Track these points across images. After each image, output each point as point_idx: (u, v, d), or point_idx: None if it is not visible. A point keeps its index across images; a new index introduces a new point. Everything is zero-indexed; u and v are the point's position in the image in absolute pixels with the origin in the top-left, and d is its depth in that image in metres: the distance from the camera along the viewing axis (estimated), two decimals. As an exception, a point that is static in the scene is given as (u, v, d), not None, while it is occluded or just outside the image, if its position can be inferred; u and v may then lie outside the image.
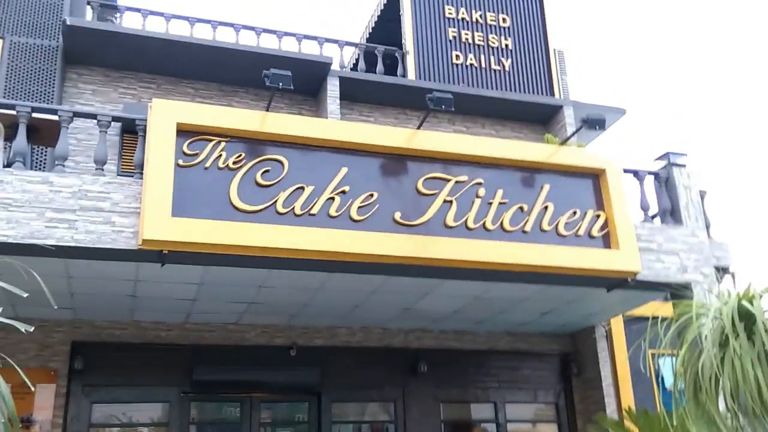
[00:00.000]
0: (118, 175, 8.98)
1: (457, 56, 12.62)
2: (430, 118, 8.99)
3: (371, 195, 7.44)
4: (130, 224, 6.72)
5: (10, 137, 7.20)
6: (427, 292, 8.67)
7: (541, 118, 12.59)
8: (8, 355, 3.01)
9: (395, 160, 7.80)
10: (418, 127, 8.27)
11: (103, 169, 7.07)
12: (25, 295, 2.81)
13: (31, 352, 8.42)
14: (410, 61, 12.35)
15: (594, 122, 8.16)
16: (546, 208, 8.02)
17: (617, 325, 10.74)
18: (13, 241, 6.25)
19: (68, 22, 9.72)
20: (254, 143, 7.32)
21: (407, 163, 7.83)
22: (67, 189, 6.63)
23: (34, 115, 7.01)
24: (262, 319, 9.44)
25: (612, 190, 8.30)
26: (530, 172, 8.23)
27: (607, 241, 8.16)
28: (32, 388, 3.42)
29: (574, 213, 8.13)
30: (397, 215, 7.46)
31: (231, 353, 9.33)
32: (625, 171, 8.77)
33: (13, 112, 6.93)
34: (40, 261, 6.20)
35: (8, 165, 6.92)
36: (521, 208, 7.94)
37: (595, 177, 8.45)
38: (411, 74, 12.23)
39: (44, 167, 9.18)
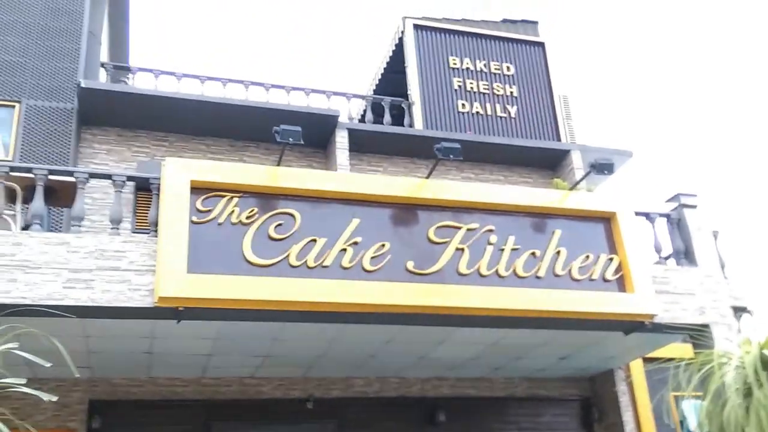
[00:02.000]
0: (132, 232, 9.13)
1: (463, 105, 12.82)
2: (439, 166, 9.11)
3: (383, 245, 7.49)
4: (145, 282, 6.78)
5: (27, 199, 7.35)
6: (443, 340, 8.64)
7: (548, 163, 12.69)
8: (27, 416, 3.05)
9: (406, 210, 7.87)
10: (427, 177, 8.38)
11: (118, 228, 7.18)
12: (48, 365, 2.86)
13: (49, 413, 8.40)
14: (417, 111, 12.55)
15: (602, 167, 8.23)
16: (558, 253, 8.04)
17: (637, 367, 10.61)
18: (31, 303, 6.31)
19: (83, 85, 9.98)
20: (266, 198, 7.42)
21: (418, 213, 7.90)
22: (83, 249, 6.72)
23: (51, 177, 7.15)
24: (278, 372, 9.41)
25: (624, 233, 8.31)
26: (541, 217, 8.27)
27: (621, 284, 8.14)
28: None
29: (587, 257, 8.13)
30: (410, 264, 7.50)
31: (248, 408, 9.28)
32: (637, 214, 8.78)
33: (31, 175, 7.08)
34: (57, 321, 6.25)
35: (26, 227, 7.03)
36: (533, 254, 7.96)
37: (607, 221, 8.47)
38: (418, 124, 12.41)
39: (60, 227, 9.30)
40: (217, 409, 9.20)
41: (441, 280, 7.56)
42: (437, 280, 7.55)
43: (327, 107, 11.94)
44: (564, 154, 12.57)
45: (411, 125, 12.50)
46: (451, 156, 7.78)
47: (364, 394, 9.91)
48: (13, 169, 7.12)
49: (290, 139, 7.25)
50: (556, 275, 7.94)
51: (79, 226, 7.07)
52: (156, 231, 7.04)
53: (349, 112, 12.42)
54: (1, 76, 10.02)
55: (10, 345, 2.68)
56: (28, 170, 7.12)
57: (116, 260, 6.81)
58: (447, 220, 7.83)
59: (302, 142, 7.38)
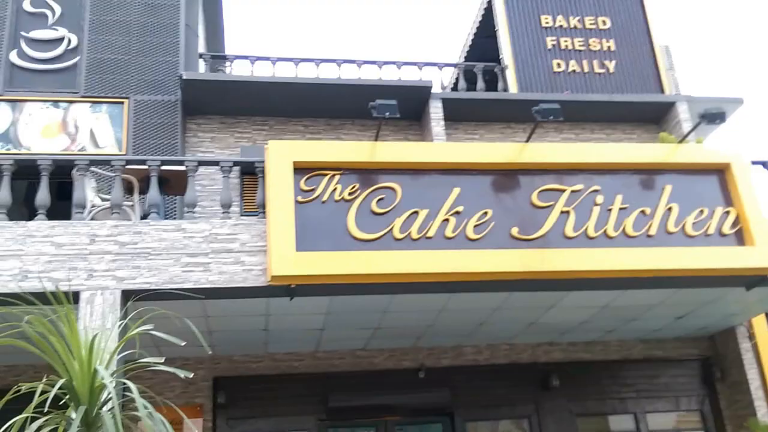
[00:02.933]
0: (241, 215, 9.47)
1: (558, 64, 12.44)
2: (537, 129, 8.92)
3: (486, 213, 7.44)
4: (258, 262, 7.04)
5: (143, 190, 7.77)
6: (552, 305, 8.53)
7: (652, 117, 12.16)
8: (157, 394, 3.24)
9: (507, 176, 7.77)
10: (527, 141, 8.21)
11: (229, 212, 7.47)
12: (183, 344, 3.03)
13: (177, 390, 8.91)
14: (510, 74, 12.30)
15: (713, 116, 7.81)
16: (670, 209, 7.73)
17: (760, 323, 10.11)
18: (155, 287, 6.69)
19: (184, 77, 10.37)
20: (366, 173, 7.51)
21: (519, 178, 7.77)
22: (198, 234, 7.04)
23: (164, 167, 7.51)
24: (389, 343, 9.58)
25: (740, 184, 7.88)
26: (649, 174, 7.96)
27: (740, 238, 7.74)
28: (190, 426, 3.63)
29: (701, 212, 7.77)
30: (514, 230, 7.42)
31: (362, 379, 9.51)
32: (753, 163, 8.31)
33: (145, 167, 7.46)
34: (179, 304, 6.60)
35: (144, 216, 7.44)
36: (643, 212, 7.69)
37: (720, 172, 8.06)
38: (512, 88, 12.17)
39: (174, 214, 9.77)
40: (333, 381, 9.48)
41: (547, 245, 7.44)
42: (543, 244, 7.43)
43: (419, 78, 11.90)
44: (669, 106, 12.01)
45: (505, 90, 12.26)
46: (551, 117, 7.59)
47: (475, 362, 9.95)
48: (129, 162, 7.53)
49: (386, 114, 7.29)
50: (669, 233, 7.65)
51: (193, 212, 7.40)
52: (264, 212, 7.28)
53: (442, 81, 12.34)
54: (110, 75, 10.56)
55: (146, 327, 2.87)
56: (143, 162, 7.50)
57: (229, 243, 7.09)
58: (550, 183, 7.68)
59: (398, 116, 7.40)
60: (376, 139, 7.75)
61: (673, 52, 13.23)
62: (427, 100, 11.38)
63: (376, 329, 8.91)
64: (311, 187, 7.31)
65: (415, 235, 7.24)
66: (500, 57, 12.63)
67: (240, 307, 7.62)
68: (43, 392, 2.83)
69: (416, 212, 7.33)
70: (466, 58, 14.10)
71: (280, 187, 7.20)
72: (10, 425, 2.55)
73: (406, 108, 10.02)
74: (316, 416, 9.29)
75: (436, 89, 11.62)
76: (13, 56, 10.33)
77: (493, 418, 9.97)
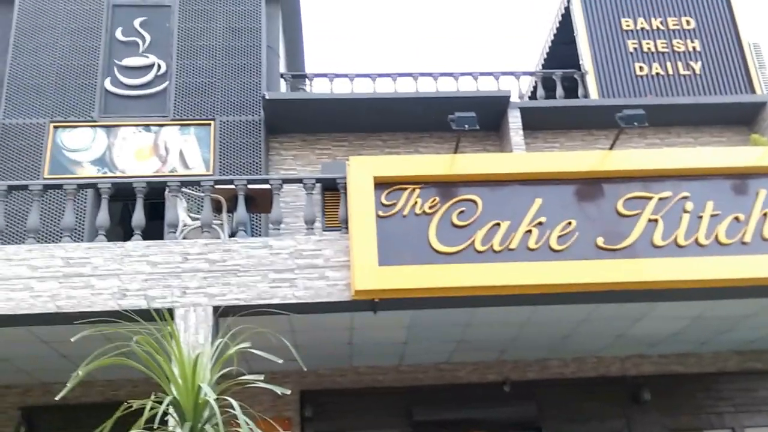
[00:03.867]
0: (323, 230, 9.64)
1: (641, 68, 12.14)
2: (620, 135, 8.72)
3: (569, 223, 7.31)
4: (342, 277, 7.15)
5: (231, 209, 8.03)
6: (641, 316, 8.28)
7: (743, 119, 11.69)
8: (248, 407, 3.34)
9: (590, 185, 7.62)
10: (611, 148, 8.04)
11: (313, 228, 7.62)
12: (280, 361, 3.13)
13: (266, 404, 9.11)
14: (591, 80, 12.08)
15: (810, 116, 7.44)
16: (765, 215, 7.39)
17: None
18: (244, 303, 6.89)
19: (267, 97, 10.68)
20: (446, 186, 7.52)
21: (603, 186, 7.61)
22: (284, 251, 7.21)
23: (250, 186, 7.74)
24: (473, 357, 9.52)
25: (842, 186, 7.47)
26: (741, 178, 7.64)
27: (843, 243, 7.32)
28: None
29: (800, 217, 7.40)
30: (600, 240, 7.26)
31: (446, 392, 9.48)
32: None
33: (232, 186, 7.71)
34: (267, 319, 6.77)
35: (233, 234, 7.68)
36: (737, 218, 7.38)
37: (819, 174, 7.66)
38: (593, 94, 11.94)
39: (259, 231, 10.04)
40: (417, 395, 9.48)
41: (634, 254, 7.24)
42: (630, 254, 7.24)
43: (496, 89, 11.85)
44: (760, 107, 11.52)
45: (586, 96, 12.06)
46: (635, 123, 7.41)
47: (561, 375, 9.75)
48: (217, 182, 7.80)
49: (465, 126, 7.30)
50: (765, 239, 7.31)
51: (278, 229, 7.60)
52: (347, 228, 7.39)
53: (520, 90, 12.24)
54: (197, 98, 10.98)
55: (245, 345, 2.98)
56: (230, 182, 7.76)
57: (314, 258, 7.23)
58: (636, 191, 7.48)
59: (477, 128, 7.39)
60: (455, 152, 7.77)
61: (763, 50, 12.68)
62: (505, 110, 11.31)
63: (459, 342, 8.87)
64: (392, 202, 7.38)
65: (497, 248, 7.19)
66: (580, 63, 12.43)
67: (325, 322, 7.74)
68: (127, 408, 2.97)
69: (498, 224, 7.28)
70: (544, 66, 13.94)
71: (361, 203, 7.29)
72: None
73: (484, 118, 9.99)
74: (401, 430, 9.31)
75: (514, 99, 11.55)
76: (108, 84, 10.90)
77: (581, 432, 9.74)
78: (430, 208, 7.35)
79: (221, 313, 6.66)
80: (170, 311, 6.53)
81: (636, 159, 7.79)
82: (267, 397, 9.15)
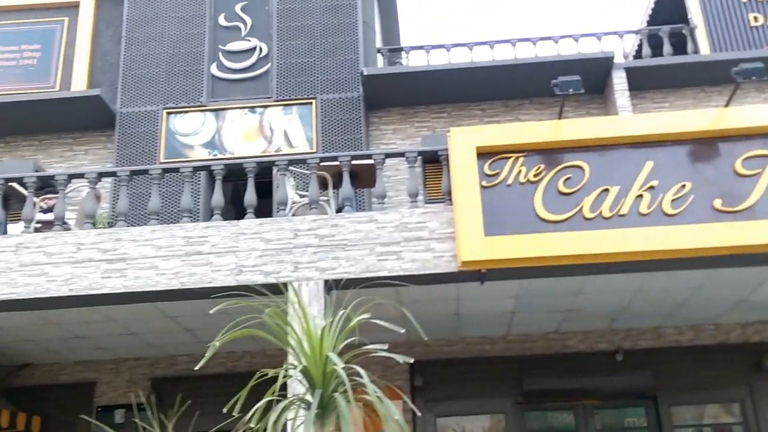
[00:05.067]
0: (425, 203, 9.69)
1: (755, 18, 11.41)
2: (737, 91, 8.27)
3: (683, 186, 7.03)
4: (447, 249, 7.18)
5: (336, 185, 8.20)
6: (763, 281, 7.88)
7: None
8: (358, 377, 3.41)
9: (705, 145, 7.27)
10: (726, 105, 7.64)
11: (416, 201, 7.68)
12: (402, 330, 3.22)
13: (377, 373, 9.17)
14: (700, 34, 11.47)
15: None
16: None
17: None
18: (353, 276, 7.05)
19: (365, 73, 10.77)
20: (551, 153, 7.37)
21: (719, 145, 7.24)
22: (390, 224, 7.32)
23: (354, 162, 7.87)
24: (583, 326, 9.37)
25: None
26: None
27: None
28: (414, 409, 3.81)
29: None
30: (717, 203, 6.94)
31: (556, 362, 9.41)
32: None
33: (337, 163, 7.88)
34: (374, 291, 6.90)
35: (339, 210, 7.86)
36: None
37: None
38: (704, 49, 11.34)
39: (363, 206, 10.20)
40: (526, 364, 9.45)
41: (755, 216, 6.88)
42: (750, 216, 6.89)
43: (599, 50, 11.45)
44: None
45: (696, 52, 11.46)
46: (753, 78, 6.99)
47: (677, 343, 9.46)
48: (322, 159, 7.99)
49: (570, 90, 7.13)
50: None
51: (383, 203, 7.70)
52: (450, 199, 7.41)
53: (623, 50, 11.76)
54: (298, 78, 11.22)
55: (366, 315, 3.08)
56: (334, 159, 7.92)
57: (418, 231, 7.30)
58: (756, 148, 7.08)
59: (582, 91, 7.20)
60: (559, 117, 7.62)
61: None
62: (609, 71, 10.94)
63: (569, 312, 8.75)
64: (495, 171, 7.32)
65: (606, 214, 7.01)
66: (688, 17, 11.79)
67: (431, 293, 7.81)
68: (262, 376, 3.12)
69: (606, 190, 7.09)
70: (649, 23, 13.31)
71: (464, 173, 7.28)
72: (259, 406, 2.85)
73: (587, 81, 9.70)
74: (512, 399, 9.33)
75: (618, 59, 11.13)
76: (214, 69, 11.31)
77: (700, 401, 9.43)
78: (535, 176, 7.24)
79: (332, 286, 6.86)
80: (284, 286, 6.82)
81: (755, 115, 7.35)
82: (377, 367, 9.33)
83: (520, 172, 7.27)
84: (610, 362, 9.31)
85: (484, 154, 7.36)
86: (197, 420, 6.47)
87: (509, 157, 7.33)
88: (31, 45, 11.70)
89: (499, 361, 9.49)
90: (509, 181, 7.27)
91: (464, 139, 7.47)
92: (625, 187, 7.07)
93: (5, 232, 7.90)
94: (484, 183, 7.25)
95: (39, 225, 7.98)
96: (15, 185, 8.00)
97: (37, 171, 9.67)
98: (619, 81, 10.84)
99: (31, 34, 11.82)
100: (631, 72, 10.89)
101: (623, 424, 9.71)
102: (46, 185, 8.17)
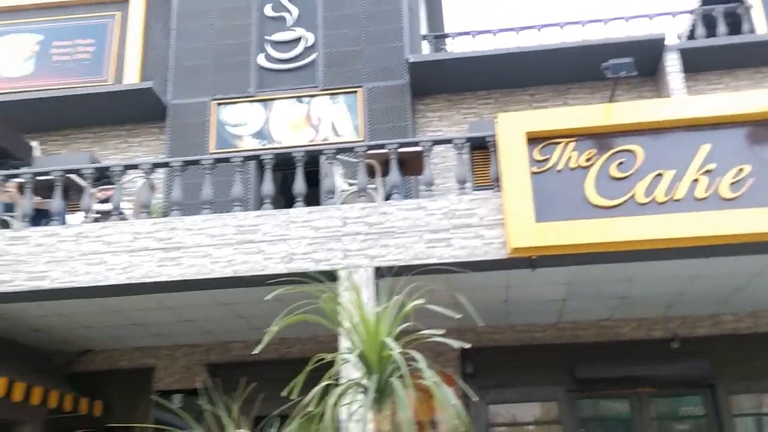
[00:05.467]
0: (472, 190, 9.63)
1: (816, -6, 10.96)
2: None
3: (741, 169, 6.84)
4: (497, 235, 7.14)
5: (384, 173, 8.21)
6: (827, 266, 7.63)
7: None
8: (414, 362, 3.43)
9: (764, 126, 7.06)
10: (786, 85, 7.39)
11: (464, 188, 7.65)
12: (458, 316, 3.24)
13: (428, 360, 9.35)
14: (758, 13, 11.13)
15: None
16: None
17: None
18: (403, 264, 7.06)
19: (411, 60, 10.74)
20: (603, 137, 7.26)
21: (779, 127, 7.03)
22: (438, 211, 7.30)
23: (401, 149, 7.87)
24: (636, 313, 9.22)
25: None
26: None
27: None
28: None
29: None
30: (777, 186, 6.74)
31: (609, 349, 9.29)
32: None
33: (384, 151, 7.89)
34: (423, 278, 6.90)
35: (387, 197, 7.87)
36: None
37: None
38: (761, 28, 10.99)
39: (410, 193, 10.20)
40: (578, 352, 9.36)
41: (818, 200, 6.66)
42: (813, 199, 6.67)
43: (650, 31, 11.19)
44: None
45: (751, 31, 11.10)
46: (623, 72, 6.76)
47: (735, 331, 9.25)
48: (370, 147, 8.01)
49: (622, 73, 6.99)
50: None
51: (430, 190, 7.69)
52: (498, 186, 7.35)
53: (676, 31, 11.47)
54: (344, 67, 11.25)
55: (420, 301, 3.10)
56: (382, 146, 7.93)
57: (467, 218, 7.27)
58: (819, 130, 6.85)
59: (635, 73, 7.05)
60: (610, 101, 7.49)
61: None
62: (661, 53, 10.69)
63: (622, 298, 8.62)
64: (545, 157, 7.24)
65: (660, 199, 6.88)
66: (743, -5, 11.43)
67: (481, 281, 7.76)
68: (318, 361, 3.16)
69: (660, 174, 6.95)
70: (703, 2, 12.91)
71: (513, 160, 7.21)
72: (317, 390, 2.90)
73: (638, 64, 9.50)
74: (565, 387, 9.25)
75: (670, 40, 10.85)
76: (261, 59, 11.42)
77: (760, 390, 9.20)
78: (587, 161, 7.14)
79: (382, 273, 6.89)
80: (334, 273, 6.88)
81: (817, 95, 7.11)
82: (428, 354, 9.27)
83: (570, 157, 7.17)
84: (665, 350, 9.15)
85: (533, 140, 7.29)
86: (246, 405, 6.59)
87: (559, 142, 7.24)
88: (85, 40, 12.00)
89: (551, 348, 9.42)
90: (559, 167, 7.19)
91: (513, 125, 7.40)
92: (680, 171, 6.93)
93: (65, 223, 8.15)
94: (533, 169, 7.18)
95: (97, 215, 8.20)
96: (73, 177, 8.25)
97: (93, 163, 9.91)
98: (672, 63, 10.58)
99: (85, 29, 12.11)
100: (684, 53, 10.62)
101: (679, 413, 9.56)
102: (102, 176, 8.39)
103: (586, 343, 9.38)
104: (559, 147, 7.23)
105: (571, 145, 7.21)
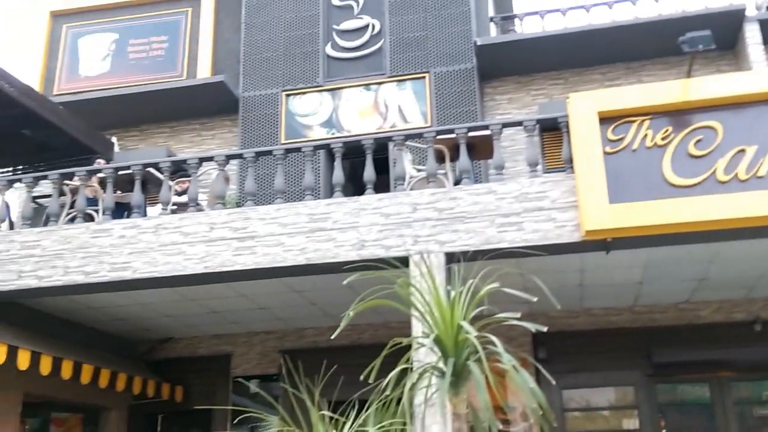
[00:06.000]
0: (543, 173, 9.48)
1: None
2: None
3: (832, 143, 6.51)
4: (570, 218, 7.02)
5: (453, 158, 8.18)
6: None
7: None
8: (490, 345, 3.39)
9: None
10: None
11: (536, 170, 7.54)
12: (535, 299, 3.22)
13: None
14: None
15: None
16: None
17: None
18: (474, 249, 7.02)
19: (479, 43, 10.62)
20: (680, 114, 7.02)
21: None
22: (509, 195, 7.23)
23: (470, 133, 7.81)
24: (716, 295, 8.93)
25: None
26: None
27: None
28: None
29: None
30: None
31: (688, 333, 9.04)
32: None
33: (453, 135, 7.84)
34: (494, 264, 6.85)
35: (457, 182, 7.84)
36: None
37: None
38: None
39: (480, 178, 10.11)
40: (655, 336, 9.14)
41: None
42: None
43: (728, 3, 10.71)
44: None
45: (838, -3, 10.49)
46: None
47: (826, 313, 8.83)
48: (438, 132, 7.98)
49: (700, 47, 6.73)
50: None
51: (501, 174, 7.61)
52: (571, 167, 7.21)
53: (756, 1, 10.93)
54: (411, 53, 11.22)
55: (495, 285, 3.09)
56: (451, 131, 7.89)
57: (539, 201, 7.17)
58: None
59: (713, 47, 6.77)
60: (688, 76, 7.22)
61: None
62: (741, 25, 10.24)
63: (701, 281, 8.36)
64: (619, 136, 7.07)
65: (743, 176, 6.62)
66: (830, -40, 10.80)
67: (554, 264, 7.66)
68: (394, 345, 3.19)
69: (742, 150, 6.69)
70: (785, -31, 12.28)
71: (586, 140, 7.07)
72: (394, 374, 2.93)
73: (715, 37, 9.15)
74: (642, 371, 9.05)
75: (750, 11, 10.37)
76: (329, 49, 11.51)
77: None
78: (663, 139, 6.93)
79: (456, 258, 6.87)
80: (405, 259, 6.91)
81: None
82: (500, 339, 9.32)
83: (646, 135, 6.98)
84: (747, 333, 8.85)
85: (606, 119, 7.12)
86: (323, 390, 6.71)
87: (634, 121, 7.05)
88: (158, 37, 12.36)
89: (627, 332, 9.22)
90: (635, 146, 7.01)
91: (585, 105, 7.24)
92: (763, 147, 6.66)
93: (145, 215, 8.45)
94: (607, 149, 7.02)
95: (174, 207, 8.47)
96: (152, 170, 8.54)
97: (169, 156, 10.23)
98: (752, 35, 10.13)
99: (159, 26, 12.48)
100: (765, 24, 10.14)
101: (762, 398, 9.22)
102: (178, 169, 8.66)
103: (664, 327, 9.14)
104: (634, 126, 7.04)
105: (647, 123, 7.02)
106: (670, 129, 6.93)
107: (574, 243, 6.97)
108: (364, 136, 8.41)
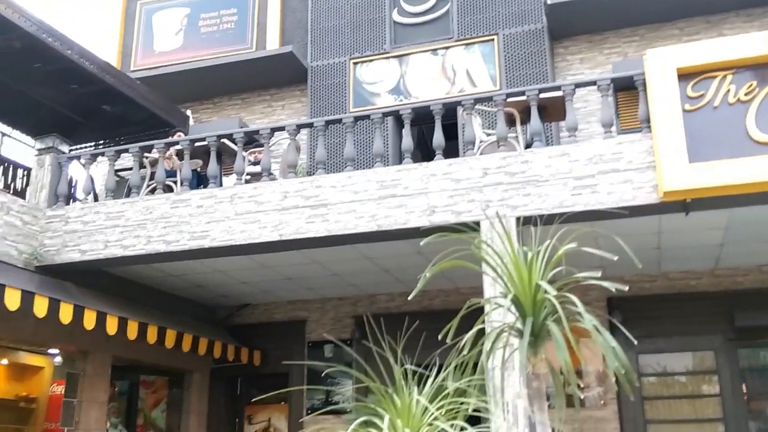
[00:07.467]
0: (618, 133, 9.23)
1: None
2: None
3: None
4: (647, 179, 6.83)
5: (524, 121, 8.05)
6: None
7: None
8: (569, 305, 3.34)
9: None
10: None
11: (611, 131, 7.34)
12: (615, 258, 3.18)
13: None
14: None
15: None
16: None
17: None
18: (546, 213, 6.90)
19: (549, 2, 10.33)
20: (765, 68, 6.70)
21: None
22: (583, 156, 7.08)
23: (542, 95, 7.66)
24: (805, 257, 8.56)
25: None
26: None
27: None
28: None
29: None
30: None
31: (773, 296, 8.71)
32: None
33: (524, 98, 7.71)
34: (570, 227, 6.73)
35: (528, 146, 7.72)
36: None
37: None
38: None
39: (551, 140, 9.92)
40: (737, 299, 8.85)
41: None
42: None
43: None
44: None
45: None
46: None
47: None
48: (509, 95, 7.85)
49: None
50: None
51: (574, 135, 7.45)
52: (648, 127, 7.00)
53: None
54: (478, 15, 11.00)
55: (573, 245, 3.06)
56: (521, 93, 7.75)
57: (614, 162, 7.00)
58: None
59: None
60: (773, 27, 6.84)
61: None
62: (831, -30, 9.61)
63: (788, 241, 8.02)
64: (699, 93, 6.81)
65: (834, 130, 6.28)
66: None
67: (630, 227, 7.45)
68: (470, 306, 3.18)
69: (836, 103, 6.34)
70: None
71: (664, 98, 6.84)
72: (471, 334, 2.96)
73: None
74: (723, 335, 8.80)
75: (843, -47, 9.72)
76: (395, 15, 11.42)
77: None
78: (746, 94, 6.65)
79: (524, 222, 6.80)
80: (477, 224, 6.88)
81: None
82: (574, 303, 9.22)
83: (728, 91, 6.71)
84: (839, 296, 8.45)
85: (685, 75, 6.88)
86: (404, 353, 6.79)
87: (715, 76, 6.78)
88: (228, 9, 12.51)
89: (706, 296, 8.97)
90: (716, 103, 6.75)
91: (663, 61, 6.99)
92: None
93: (221, 185, 8.68)
94: (686, 106, 6.79)
95: (248, 177, 8.66)
96: (226, 141, 8.73)
97: (242, 127, 10.43)
98: None
99: (228, -1, 12.64)
100: None
101: None
102: (251, 140, 8.82)
103: (747, 290, 8.84)
104: (715, 81, 6.78)
105: (729, 78, 6.74)
106: (755, 83, 6.64)
107: (651, 205, 6.80)
108: (433, 101, 8.35)
